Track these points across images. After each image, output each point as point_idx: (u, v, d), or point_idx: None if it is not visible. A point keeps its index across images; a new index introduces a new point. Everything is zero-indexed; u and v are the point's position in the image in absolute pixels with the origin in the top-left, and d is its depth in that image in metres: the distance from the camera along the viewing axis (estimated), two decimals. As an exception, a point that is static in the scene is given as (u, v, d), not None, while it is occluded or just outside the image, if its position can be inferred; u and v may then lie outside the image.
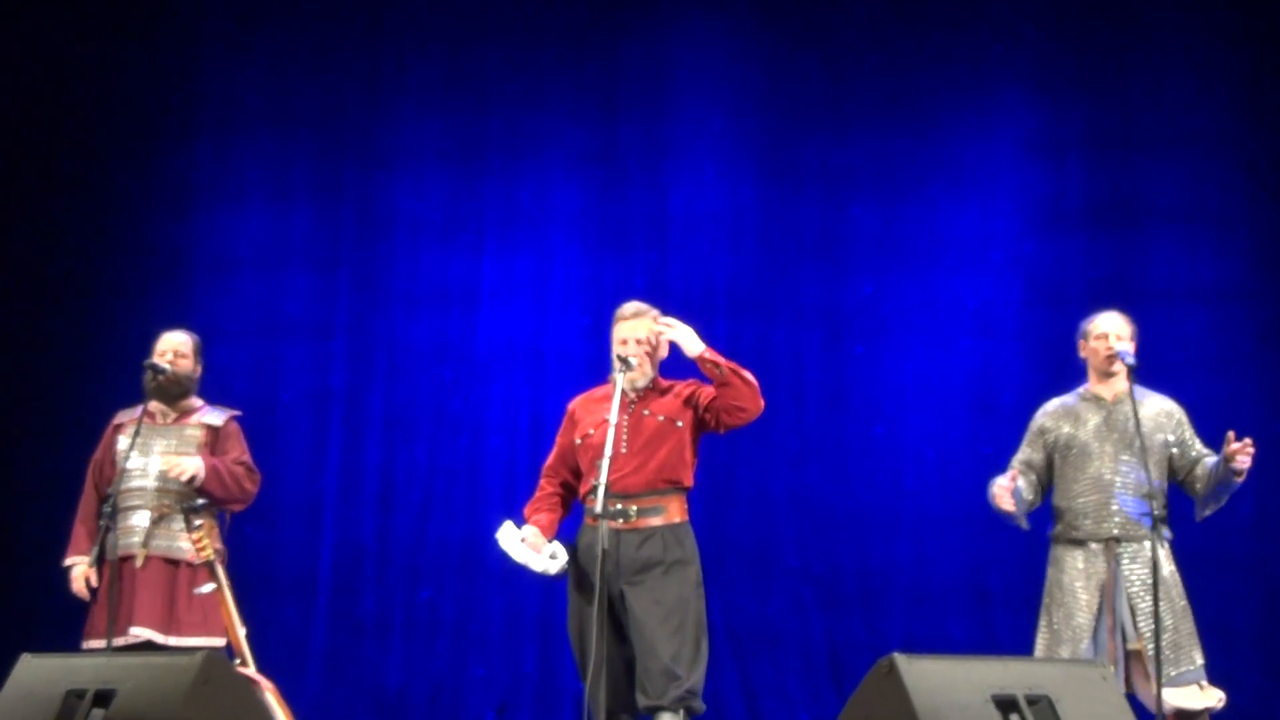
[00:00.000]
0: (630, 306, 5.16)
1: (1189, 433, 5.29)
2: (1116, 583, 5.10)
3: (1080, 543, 5.20)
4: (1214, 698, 5.09)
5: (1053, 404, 5.41)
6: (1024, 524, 5.33)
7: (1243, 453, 5.03)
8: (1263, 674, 6.72)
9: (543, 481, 5.24)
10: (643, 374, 5.07)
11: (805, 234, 7.38)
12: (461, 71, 7.60)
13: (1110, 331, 5.28)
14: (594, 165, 7.51)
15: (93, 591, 5.47)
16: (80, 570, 5.45)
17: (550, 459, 5.24)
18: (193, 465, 5.44)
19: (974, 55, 7.36)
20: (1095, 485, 5.20)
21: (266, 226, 7.60)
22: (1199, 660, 5.09)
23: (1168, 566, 5.14)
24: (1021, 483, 5.25)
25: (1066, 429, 5.28)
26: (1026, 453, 5.38)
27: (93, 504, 5.53)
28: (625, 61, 7.54)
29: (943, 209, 7.30)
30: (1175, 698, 5.04)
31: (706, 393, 5.03)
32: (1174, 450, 5.24)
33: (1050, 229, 7.23)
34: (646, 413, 5.05)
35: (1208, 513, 5.32)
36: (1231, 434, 5.06)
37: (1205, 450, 5.27)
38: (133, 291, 7.52)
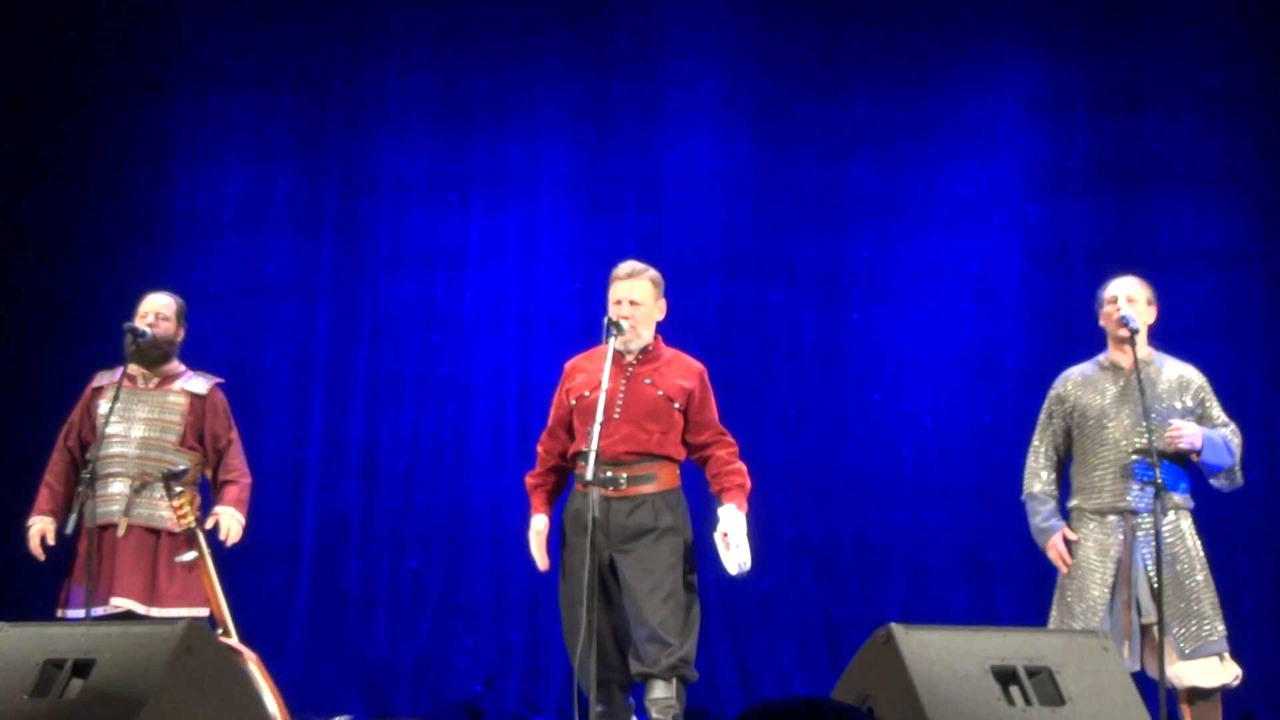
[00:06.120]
0: (626, 266, 5.12)
1: (1210, 402, 5.15)
2: (1133, 556, 4.98)
3: (1098, 515, 5.07)
4: (1231, 674, 5.00)
5: (1071, 372, 5.32)
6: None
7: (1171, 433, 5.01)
8: (1270, 645, 6.67)
9: (541, 451, 5.20)
10: (635, 336, 5.02)
11: (802, 195, 7.30)
12: (448, 26, 7.47)
13: (1119, 295, 5.16)
14: (585, 124, 7.40)
15: (62, 557, 5.40)
16: (37, 529, 5.41)
17: (549, 423, 5.19)
18: (238, 526, 5.49)
19: (976, 11, 7.28)
20: (1113, 456, 5.09)
21: (248, 187, 7.48)
22: (1221, 631, 4.99)
23: (1190, 538, 5.03)
24: (1055, 518, 5.18)
25: (1084, 398, 5.17)
26: (1046, 425, 5.27)
27: (59, 466, 5.50)
28: (617, 16, 7.43)
29: (943, 170, 7.23)
30: (1192, 673, 4.94)
31: (699, 423, 5.02)
32: (1192, 418, 5.10)
33: (1054, 191, 7.17)
34: (648, 381, 5.00)
35: (1215, 484, 5.24)
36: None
37: (1222, 422, 5.13)
38: (112, 254, 7.42)
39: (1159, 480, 4.87)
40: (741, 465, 5.04)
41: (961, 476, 6.99)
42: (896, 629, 3.68)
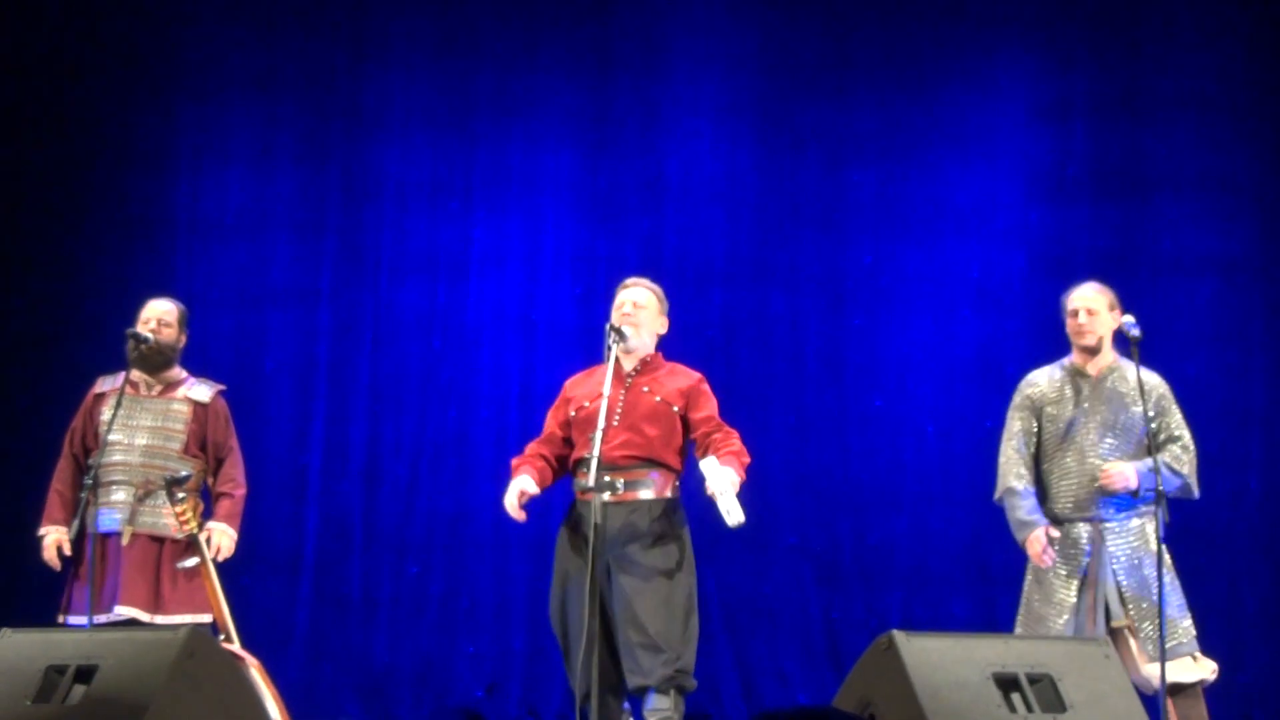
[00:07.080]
0: (631, 279, 5.21)
1: (1168, 412, 5.11)
2: (1101, 560, 4.97)
3: (1065, 520, 5.06)
4: (1207, 669, 5.01)
5: (1038, 376, 5.30)
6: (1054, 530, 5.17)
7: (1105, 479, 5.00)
8: (1271, 651, 6.65)
9: (530, 446, 5.19)
10: (638, 337, 5.06)
11: (804, 201, 7.31)
12: (450, 31, 7.46)
13: (1080, 307, 5.17)
14: (587, 129, 7.40)
15: (67, 563, 5.40)
16: (52, 539, 5.38)
17: (542, 433, 5.22)
18: (229, 542, 5.46)
19: (978, 16, 7.29)
20: (1079, 462, 5.10)
21: (249, 191, 7.46)
22: (1190, 632, 5.00)
23: (1153, 541, 5.01)
24: (1039, 513, 5.11)
25: (1051, 404, 5.19)
26: (1014, 425, 5.25)
27: (68, 473, 5.50)
28: (620, 21, 7.42)
29: (945, 175, 7.24)
30: (1169, 671, 4.92)
31: (699, 420, 4.99)
32: (1152, 425, 5.07)
33: (1055, 197, 7.18)
34: (645, 389, 5.03)
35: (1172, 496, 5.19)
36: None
37: (1179, 435, 5.09)
38: (113, 258, 7.39)
39: (1160, 487, 4.86)
40: (740, 445, 4.96)
41: (963, 483, 6.96)
42: (898, 635, 3.69)
